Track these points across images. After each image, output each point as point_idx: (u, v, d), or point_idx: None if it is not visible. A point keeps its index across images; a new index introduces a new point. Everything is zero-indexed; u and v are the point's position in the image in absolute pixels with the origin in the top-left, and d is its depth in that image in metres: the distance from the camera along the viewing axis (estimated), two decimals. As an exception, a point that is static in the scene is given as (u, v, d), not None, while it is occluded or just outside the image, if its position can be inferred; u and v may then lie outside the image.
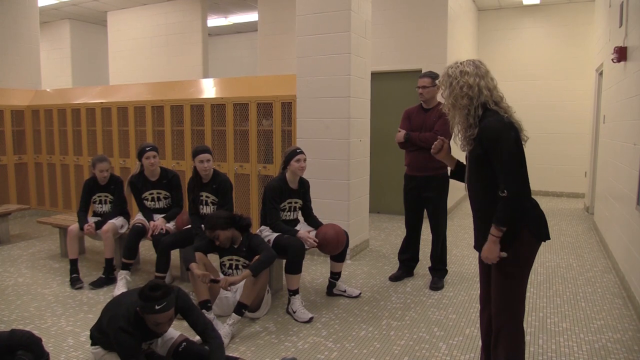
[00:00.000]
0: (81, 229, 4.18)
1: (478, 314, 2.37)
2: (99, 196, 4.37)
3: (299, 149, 3.70)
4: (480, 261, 2.28)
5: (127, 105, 6.07)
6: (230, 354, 2.83)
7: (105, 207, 4.37)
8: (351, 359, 2.83)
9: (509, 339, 2.17)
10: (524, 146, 2.13)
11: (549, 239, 2.17)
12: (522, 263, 2.16)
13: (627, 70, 4.30)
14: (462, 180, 2.44)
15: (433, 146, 2.41)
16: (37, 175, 7.06)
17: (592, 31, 8.02)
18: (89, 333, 2.70)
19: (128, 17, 9.61)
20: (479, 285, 2.37)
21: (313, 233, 3.67)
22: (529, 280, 4.20)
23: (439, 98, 4.03)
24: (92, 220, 4.27)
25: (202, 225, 3.84)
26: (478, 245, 2.26)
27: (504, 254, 2.12)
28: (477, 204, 2.25)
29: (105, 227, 4.16)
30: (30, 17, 7.32)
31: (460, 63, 2.18)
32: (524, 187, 2.08)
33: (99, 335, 2.55)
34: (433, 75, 3.94)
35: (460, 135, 2.22)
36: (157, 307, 2.29)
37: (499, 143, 2.05)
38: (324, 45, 4.64)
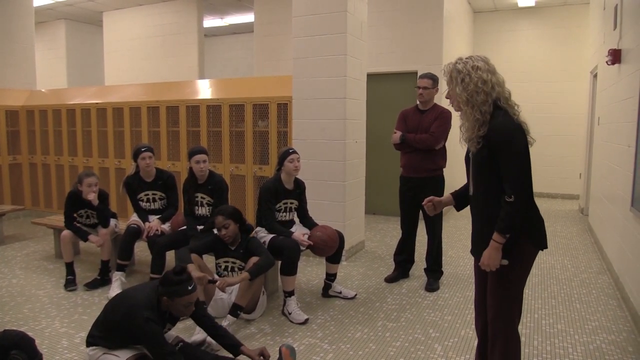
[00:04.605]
0: (85, 240, 4.09)
1: (473, 315, 2.35)
2: (85, 212, 4.23)
3: (291, 149, 3.70)
4: (477, 266, 2.24)
5: (123, 106, 6.05)
6: (226, 355, 2.82)
7: (93, 220, 4.27)
8: (347, 360, 2.84)
9: (505, 345, 2.14)
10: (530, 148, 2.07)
11: (546, 247, 2.12)
12: (520, 271, 2.10)
13: (622, 72, 4.32)
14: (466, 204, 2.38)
15: (428, 212, 2.46)
16: (31, 176, 7.03)
17: (586, 33, 8.06)
18: (83, 334, 2.68)
19: (124, 18, 9.58)
20: (474, 288, 2.36)
21: (307, 235, 3.67)
22: (524, 281, 4.19)
23: (435, 99, 4.09)
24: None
25: (198, 227, 3.86)
26: (476, 251, 2.19)
27: (505, 262, 2.04)
28: (479, 207, 2.17)
29: (102, 231, 4.15)
30: (25, 17, 7.29)
31: (467, 58, 2.08)
32: (530, 193, 2.02)
33: (100, 333, 2.52)
34: (434, 78, 3.95)
35: (468, 134, 2.09)
36: (189, 288, 2.41)
37: (509, 146, 1.98)
38: (320, 47, 4.64)
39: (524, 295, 3.88)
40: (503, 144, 1.99)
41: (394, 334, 3.18)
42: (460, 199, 2.39)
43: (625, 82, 4.09)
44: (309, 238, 3.59)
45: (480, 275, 2.27)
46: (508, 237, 2.01)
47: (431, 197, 2.43)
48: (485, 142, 2.03)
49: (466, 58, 2.10)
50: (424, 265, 4.20)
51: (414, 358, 2.86)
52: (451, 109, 2.25)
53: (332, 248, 3.62)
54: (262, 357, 2.65)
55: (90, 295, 3.89)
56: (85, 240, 4.10)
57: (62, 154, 6.66)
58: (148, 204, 4.21)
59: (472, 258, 2.29)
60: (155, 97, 5.89)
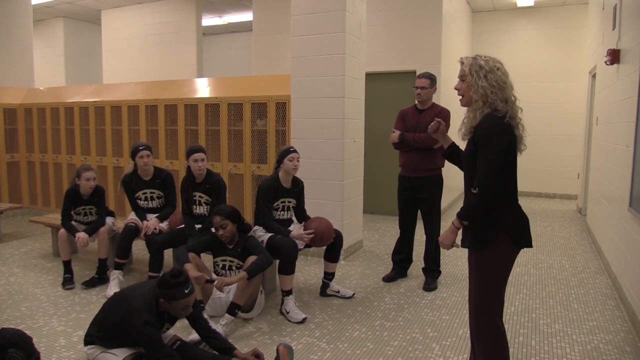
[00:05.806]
0: (73, 235, 4.05)
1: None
2: (83, 209, 4.22)
3: (292, 148, 3.69)
4: (470, 262, 2.28)
5: (121, 104, 6.04)
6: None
7: (91, 218, 4.25)
8: (344, 359, 2.83)
9: (487, 339, 2.19)
10: (519, 154, 2.14)
11: (530, 246, 2.16)
12: (498, 266, 2.15)
13: (620, 72, 4.33)
14: (453, 162, 2.45)
15: (430, 126, 2.43)
16: (29, 174, 7.01)
17: (585, 33, 8.07)
18: (81, 333, 2.68)
19: (122, 16, 9.56)
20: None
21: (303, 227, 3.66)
22: (522, 282, 4.22)
23: (434, 99, 4.09)
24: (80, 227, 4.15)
25: (196, 225, 3.85)
26: (463, 240, 2.27)
27: (457, 245, 2.21)
28: (466, 198, 2.26)
29: (101, 228, 4.13)
30: (23, 15, 7.26)
31: (487, 57, 2.14)
32: (498, 191, 2.06)
33: (98, 333, 2.52)
34: (432, 77, 3.95)
35: (466, 127, 2.19)
36: (186, 291, 2.39)
37: (487, 143, 2.06)
38: (319, 46, 4.63)
39: (521, 294, 3.91)
40: (482, 140, 2.09)
41: (391, 333, 3.18)
42: (453, 151, 2.43)
43: (624, 82, 4.09)
44: (304, 229, 3.59)
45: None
46: (466, 224, 2.14)
47: (441, 120, 2.43)
48: (472, 137, 2.15)
49: (485, 56, 2.16)
50: (422, 264, 4.20)
51: (411, 357, 2.86)
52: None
53: (327, 238, 3.61)
54: (255, 357, 2.65)
55: (88, 294, 3.88)
56: (74, 235, 4.03)
57: (60, 152, 6.64)
58: (146, 202, 4.20)
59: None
60: (154, 95, 5.88)
